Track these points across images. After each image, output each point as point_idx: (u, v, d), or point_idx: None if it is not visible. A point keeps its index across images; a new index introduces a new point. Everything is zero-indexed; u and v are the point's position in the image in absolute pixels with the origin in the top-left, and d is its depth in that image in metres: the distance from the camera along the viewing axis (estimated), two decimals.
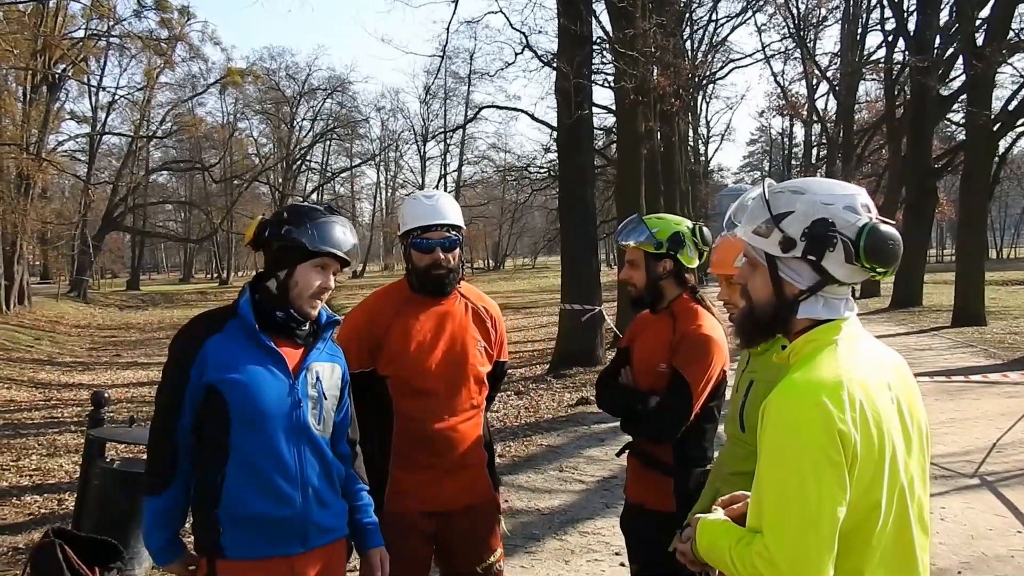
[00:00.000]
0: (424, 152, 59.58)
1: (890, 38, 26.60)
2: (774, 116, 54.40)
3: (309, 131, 53.13)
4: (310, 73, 52.41)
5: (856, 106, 34.19)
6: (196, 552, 2.38)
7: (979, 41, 17.44)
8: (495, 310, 3.14)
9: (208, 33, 52.65)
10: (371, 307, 3.04)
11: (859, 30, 32.76)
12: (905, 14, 21.97)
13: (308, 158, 54.61)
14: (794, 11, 32.17)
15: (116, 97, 38.21)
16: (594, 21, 15.67)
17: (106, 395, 4.42)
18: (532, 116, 33.60)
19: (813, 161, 45.94)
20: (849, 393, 1.57)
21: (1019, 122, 18.84)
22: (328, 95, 51.90)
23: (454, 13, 28.33)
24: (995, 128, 17.54)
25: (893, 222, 1.68)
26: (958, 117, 26.03)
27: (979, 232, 18.36)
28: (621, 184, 16.81)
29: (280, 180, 50.91)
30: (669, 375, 2.90)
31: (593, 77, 15.43)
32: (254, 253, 2.50)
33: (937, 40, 20.55)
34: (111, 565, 3.33)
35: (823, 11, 34.19)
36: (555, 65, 14.83)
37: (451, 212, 2.91)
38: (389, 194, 63.37)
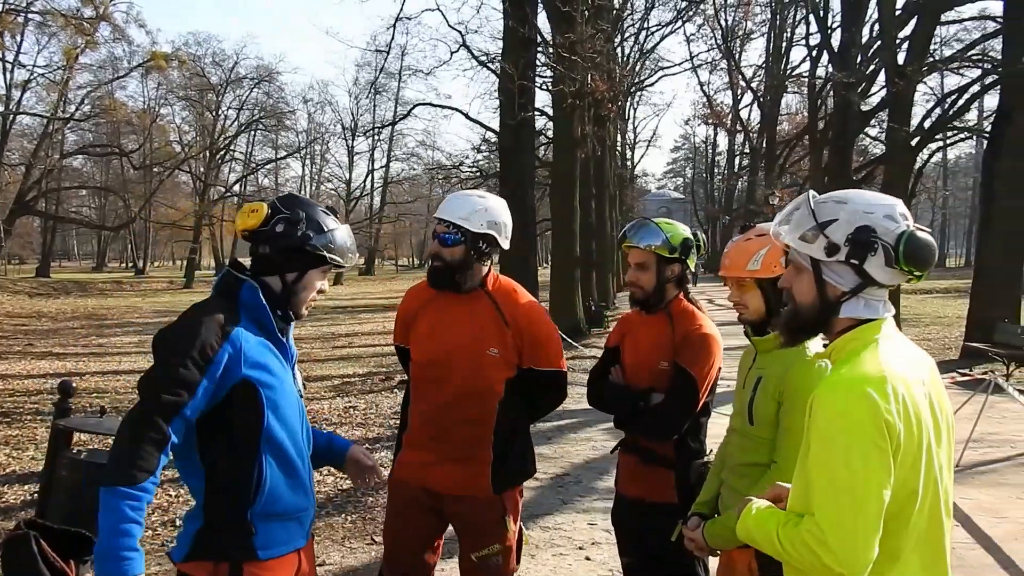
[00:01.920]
0: (352, 146, 58.86)
1: (814, 53, 27.64)
2: (699, 124, 55.90)
3: (234, 120, 51.78)
4: (237, 61, 51.09)
5: (779, 118, 35.38)
6: (204, 558, 2.18)
7: (900, 59, 18.20)
8: (527, 315, 3.04)
9: (133, 15, 51.06)
10: (412, 291, 3.24)
11: (784, 44, 33.95)
12: (829, 30, 22.79)
13: (232, 148, 53.24)
14: (722, 23, 33.17)
15: (33, 76, 36.58)
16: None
17: (73, 385, 4.29)
18: (467, 115, 33.61)
19: (736, 170, 47.30)
20: (892, 387, 1.71)
21: (936, 137, 19.76)
22: (255, 84, 50.71)
23: (402, 7, 28.36)
24: (913, 143, 18.33)
25: (929, 230, 1.81)
26: (875, 131, 27.19)
27: None
28: (556, 186, 17.04)
29: (203, 169, 49.51)
30: (672, 373, 3.00)
31: None
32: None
33: (859, 56, 21.35)
34: (85, 558, 3.26)
35: (750, 24, 35.36)
36: (493, 66, 14.92)
37: (451, 210, 2.96)
38: (314, 188, 62.27)
